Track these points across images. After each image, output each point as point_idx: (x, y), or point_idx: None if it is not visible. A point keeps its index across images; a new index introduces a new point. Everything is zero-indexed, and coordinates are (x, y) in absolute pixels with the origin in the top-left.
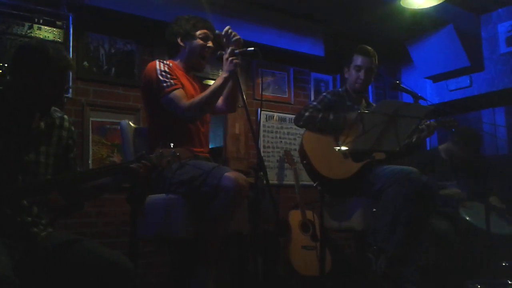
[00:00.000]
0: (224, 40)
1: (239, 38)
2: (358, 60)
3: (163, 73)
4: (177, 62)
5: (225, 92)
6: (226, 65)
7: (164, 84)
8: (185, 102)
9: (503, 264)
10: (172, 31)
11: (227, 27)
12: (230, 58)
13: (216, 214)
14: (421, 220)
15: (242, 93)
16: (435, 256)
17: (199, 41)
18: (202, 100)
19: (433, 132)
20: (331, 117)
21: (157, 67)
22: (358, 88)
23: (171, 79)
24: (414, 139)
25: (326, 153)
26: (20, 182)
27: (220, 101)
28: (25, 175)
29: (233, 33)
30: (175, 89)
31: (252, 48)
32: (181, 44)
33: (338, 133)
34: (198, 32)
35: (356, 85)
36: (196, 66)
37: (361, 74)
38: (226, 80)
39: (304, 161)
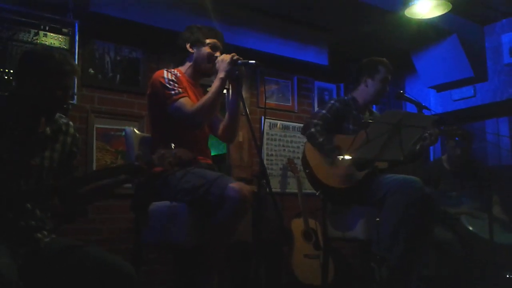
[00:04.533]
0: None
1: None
2: (386, 72)
3: (171, 82)
4: (184, 70)
5: (226, 121)
6: (221, 66)
7: (172, 92)
8: (190, 108)
9: (507, 276)
10: (183, 38)
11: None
12: (230, 66)
13: (220, 224)
14: (423, 230)
15: (243, 100)
16: (438, 265)
17: (208, 49)
18: (206, 104)
19: (436, 141)
20: (326, 148)
21: (165, 75)
22: (378, 100)
23: (179, 88)
24: (417, 148)
25: (329, 162)
26: (23, 186)
27: (220, 130)
28: (28, 179)
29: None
30: (182, 97)
31: (253, 61)
32: (190, 50)
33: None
34: (207, 40)
35: (378, 96)
36: (205, 71)
37: (386, 86)
38: (223, 80)
39: (307, 170)
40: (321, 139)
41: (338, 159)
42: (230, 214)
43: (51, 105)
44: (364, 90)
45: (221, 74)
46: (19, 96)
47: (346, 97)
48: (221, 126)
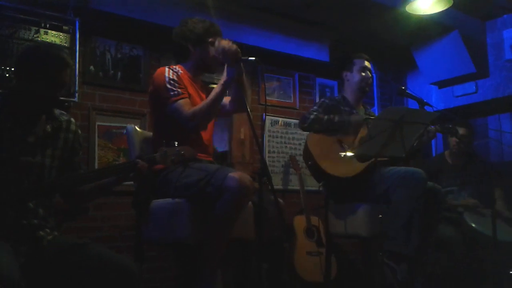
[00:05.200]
0: (221, 57)
1: (236, 48)
2: (363, 62)
3: (171, 82)
4: (186, 67)
5: (232, 94)
6: (225, 71)
7: (172, 93)
8: (188, 111)
9: (510, 272)
10: (182, 35)
11: (222, 44)
12: (229, 66)
13: (221, 214)
14: (428, 223)
15: (245, 98)
16: (440, 262)
17: (212, 49)
18: (203, 109)
19: (433, 137)
20: (336, 119)
21: (166, 74)
22: (365, 88)
23: (179, 88)
24: (415, 143)
25: (331, 152)
26: (25, 184)
27: (227, 102)
28: (29, 178)
29: (228, 45)
30: (182, 98)
31: (253, 58)
32: (192, 49)
33: (342, 136)
34: (210, 39)
35: (362, 83)
36: (209, 69)
37: (367, 74)
38: (224, 87)
39: (309, 162)
40: (326, 117)
41: (352, 124)
42: (230, 203)
43: (42, 101)
44: (348, 85)
45: (223, 80)
46: (16, 93)
47: (336, 97)
48: (228, 103)
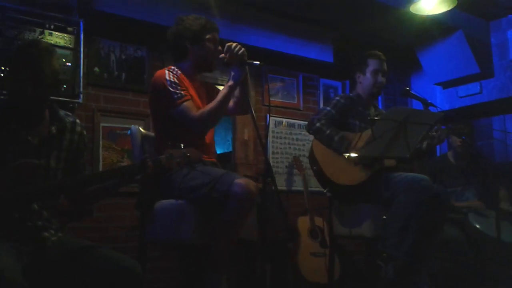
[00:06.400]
0: (228, 55)
1: (244, 51)
2: (375, 64)
3: (173, 84)
4: (185, 67)
5: (235, 96)
6: (231, 73)
7: (175, 96)
8: (195, 113)
9: None
10: (178, 34)
11: (228, 44)
12: (236, 67)
13: (226, 220)
14: (432, 228)
15: (248, 99)
16: (444, 263)
17: (210, 46)
18: (211, 111)
19: (444, 140)
20: (336, 138)
21: (167, 77)
22: (376, 92)
23: (181, 90)
24: (424, 146)
25: (336, 159)
26: (30, 186)
27: (231, 103)
28: (35, 180)
29: (236, 48)
30: (186, 100)
31: (258, 62)
32: (190, 48)
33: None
34: (207, 36)
35: (374, 89)
36: (208, 67)
37: (379, 77)
38: (231, 89)
39: (314, 167)
40: (328, 131)
41: (348, 151)
42: (236, 210)
43: (26, 100)
44: (360, 87)
45: (230, 82)
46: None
47: (351, 94)
48: (230, 105)
